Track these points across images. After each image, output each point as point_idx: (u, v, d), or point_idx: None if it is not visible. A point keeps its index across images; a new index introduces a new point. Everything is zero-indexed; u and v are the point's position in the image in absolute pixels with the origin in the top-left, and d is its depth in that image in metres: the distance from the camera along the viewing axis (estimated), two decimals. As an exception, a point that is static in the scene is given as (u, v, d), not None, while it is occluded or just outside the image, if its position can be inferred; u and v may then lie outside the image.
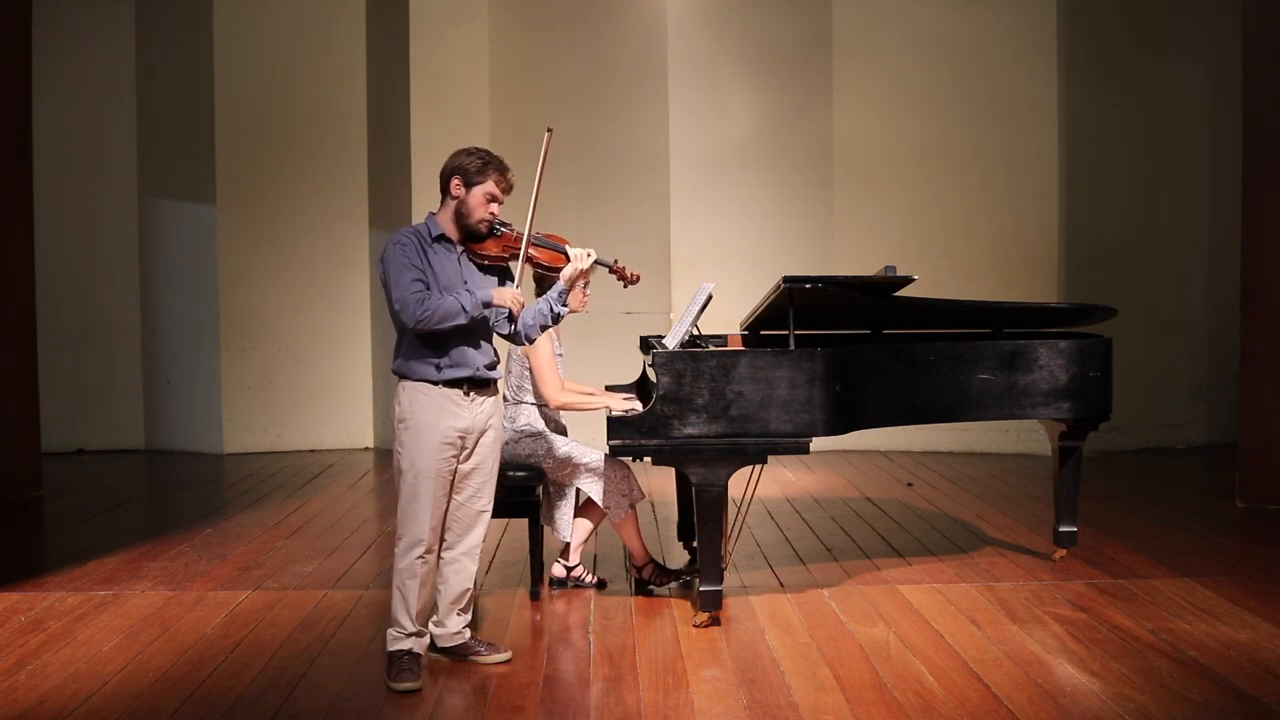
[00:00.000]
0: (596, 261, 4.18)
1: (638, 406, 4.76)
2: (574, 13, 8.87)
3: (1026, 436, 8.55)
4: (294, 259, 9.13)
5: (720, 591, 4.53)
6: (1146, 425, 8.81)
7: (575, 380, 5.25)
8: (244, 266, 9.02)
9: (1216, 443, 8.82)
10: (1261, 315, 6.62)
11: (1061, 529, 5.41)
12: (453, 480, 4.01)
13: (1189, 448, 8.91)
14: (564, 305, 4.13)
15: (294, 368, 9.20)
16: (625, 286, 4.40)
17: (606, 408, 4.87)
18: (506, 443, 4.95)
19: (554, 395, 4.87)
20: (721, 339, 5.65)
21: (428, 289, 3.88)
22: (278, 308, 9.12)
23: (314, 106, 9.12)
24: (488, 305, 3.90)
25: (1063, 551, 5.46)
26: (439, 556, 4.06)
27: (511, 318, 4.01)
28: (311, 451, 9.16)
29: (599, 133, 8.82)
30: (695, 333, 5.30)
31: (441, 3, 8.73)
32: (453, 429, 3.94)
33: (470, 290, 3.90)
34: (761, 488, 5.66)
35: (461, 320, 3.85)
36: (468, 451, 4.02)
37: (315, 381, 9.26)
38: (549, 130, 4.07)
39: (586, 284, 4.98)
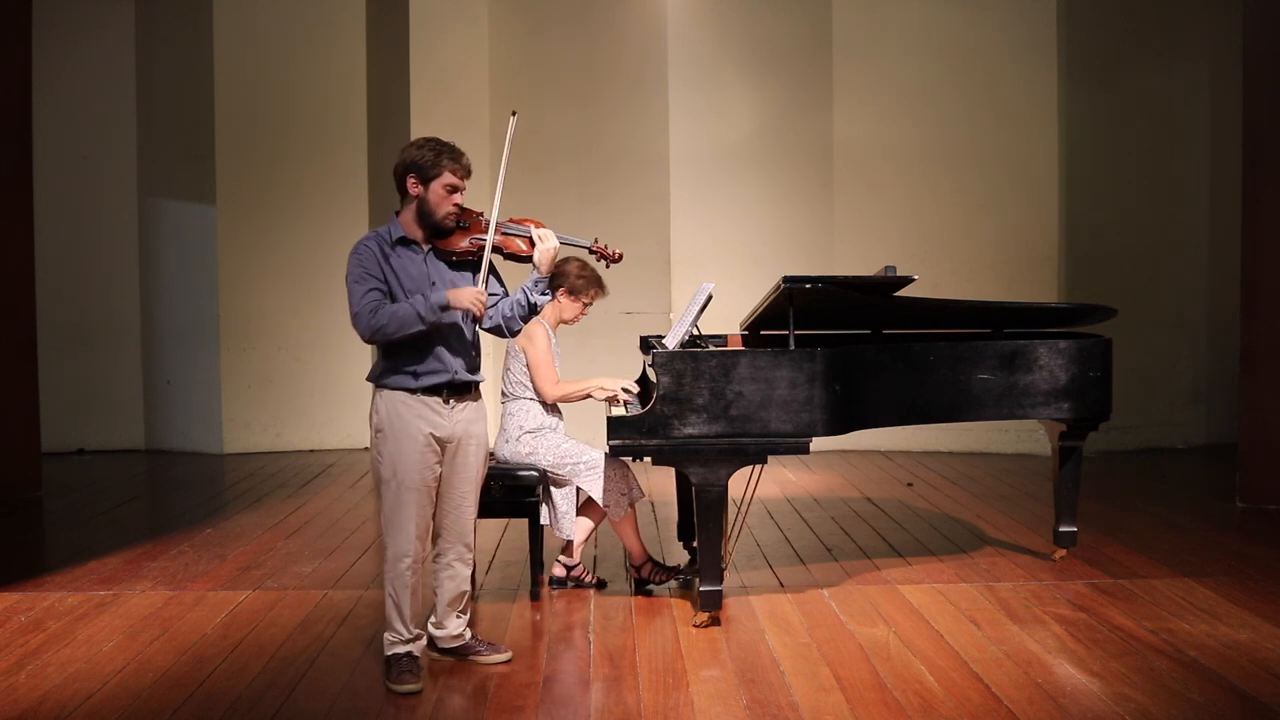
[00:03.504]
0: (573, 243, 4.08)
1: (633, 387, 4.81)
2: (574, 13, 8.87)
3: (1026, 436, 8.55)
4: (294, 259, 9.13)
5: (720, 591, 4.53)
6: (1146, 425, 8.81)
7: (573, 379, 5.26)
8: (244, 266, 9.02)
9: (1216, 443, 8.82)
10: (1262, 314, 6.62)
11: (1061, 529, 5.41)
12: (437, 487, 3.95)
13: (1189, 448, 8.91)
14: (542, 294, 4.00)
15: (294, 368, 9.21)
16: (608, 266, 4.36)
17: (600, 388, 4.86)
18: (506, 441, 4.96)
19: (549, 390, 4.90)
20: (721, 339, 5.66)
21: (385, 298, 3.77)
22: (278, 308, 9.12)
23: (314, 106, 9.12)
24: (444, 309, 3.76)
25: (1063, 551, 5.46)
26: (433, 562, 4.05)
27: (476, 319, 3.86)
28: (311, 451, 9.16)
29: (599, 133, 8.83)
30: (695, 333, 5.30)
31: (441, 3, 8.74)
32: (433, 436, 3.87)
33: (425, 295, 3.75)
34: (761, 488, 5.66)
35: (420, 328, 3.72)
36: (450, 458, 3.95)
37: (315, 381, 9.26)
38: (513, 113, 3.93)
39: (589, 303, 5.02)
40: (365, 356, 9.25)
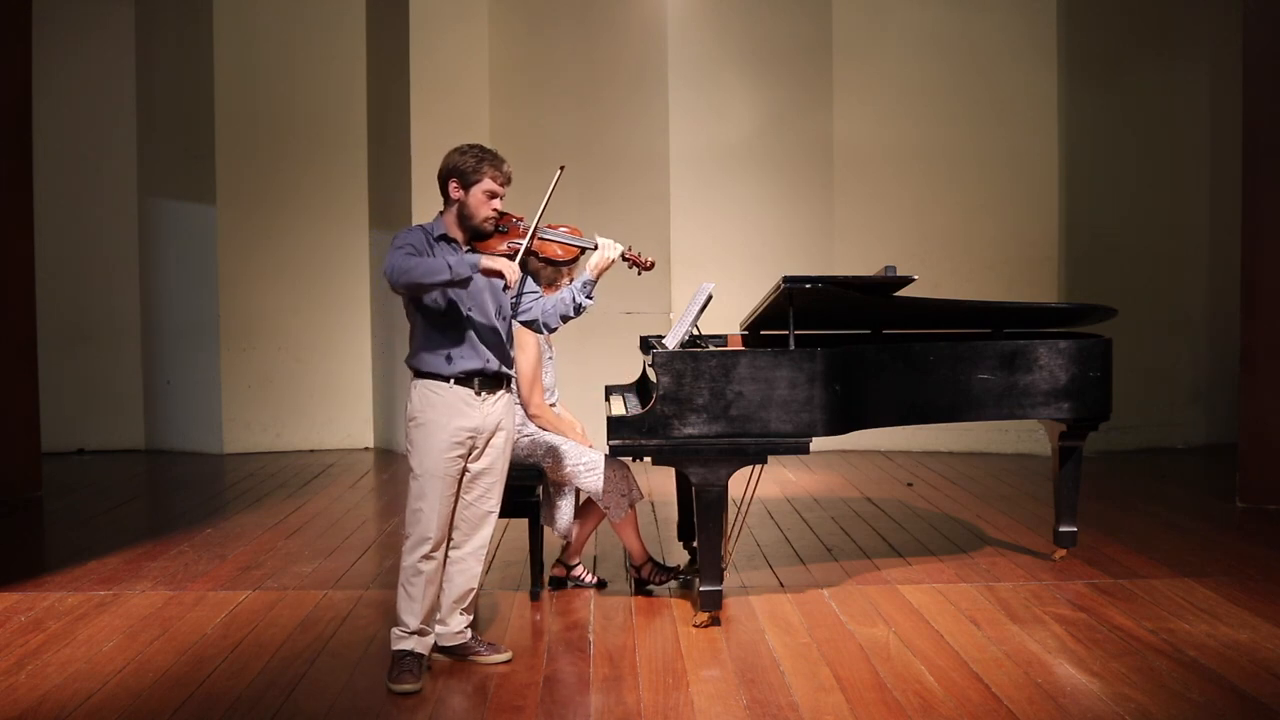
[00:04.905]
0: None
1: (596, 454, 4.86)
2: (574, 12, 8.87)
3: (1026, 436, 8.55)
4: (294, 259, 9.13)
5: (720, 591, 4.53)
6: (1146, 425, 8.81)
7: (574, 398, 5.27)
8: (244, 266, 9.02)
9: (1216, 443, 8.82)
10: (1261, 315, 6.62)
11: (1061, 529, 5.41)
12: (461, 480, 4.00)
13: (1189, 448, 8.91)
14: (589, 297, 4.10)
15: (294, 368, 9.20)
16: (640, 273, 4.34)
17: (580, 438, 4.97)
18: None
19: (533, 401, 4.91)
20: (721, 339, 5.66)
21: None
22: (278, 308, 9.12)
23: (314, 106, 9.12)
24: (475, 268, 3.77)
25: (1063, 551, 5.46)
26: (445, 556, 4.06)
27: (506, 287, 3.91)
28: (311, 451, 9.16)
29: (599, 133, 8.82)
30: (695, 333, 5.30)
31: (441, 3, 8.73)
32: (462, 429, 3.94)
33: (461, 257, 3.83)
34: (761, 488, 5.66)
35: (445, 275, 3.71)
36: (478, 451, 4.01)
37: (315, 381, 9.26)
38: (561, 168, 4.07)
39: (573, 278, 4.99)
40: (365, 357, 9.26)
